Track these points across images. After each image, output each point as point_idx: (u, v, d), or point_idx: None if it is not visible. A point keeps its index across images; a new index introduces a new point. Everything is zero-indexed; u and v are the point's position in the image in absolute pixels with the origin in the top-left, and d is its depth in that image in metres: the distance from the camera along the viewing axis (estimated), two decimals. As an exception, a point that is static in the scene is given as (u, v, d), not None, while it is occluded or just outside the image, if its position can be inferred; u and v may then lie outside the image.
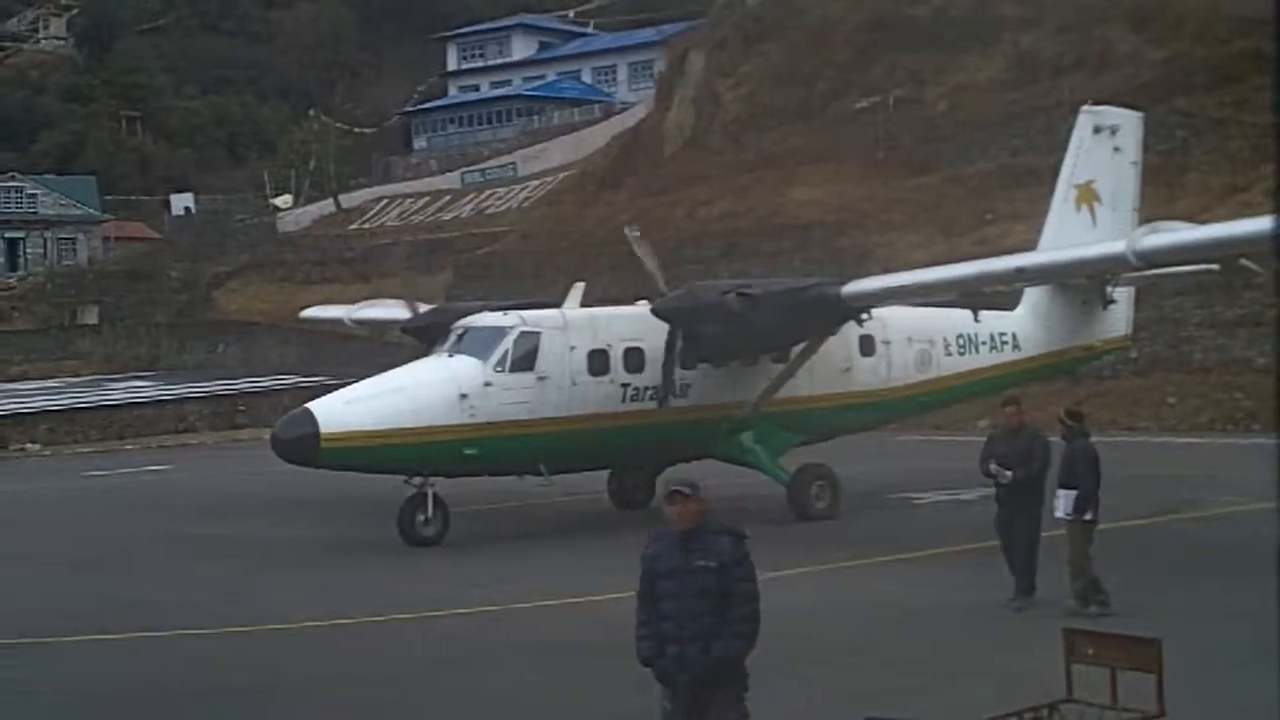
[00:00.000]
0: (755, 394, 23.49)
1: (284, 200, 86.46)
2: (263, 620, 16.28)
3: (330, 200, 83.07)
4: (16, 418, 44.30)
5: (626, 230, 25.10)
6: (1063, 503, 14.92)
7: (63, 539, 24.52)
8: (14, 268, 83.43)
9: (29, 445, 41.77)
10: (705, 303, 22.66)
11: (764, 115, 59.45)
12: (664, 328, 22.90)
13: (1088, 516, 14.85)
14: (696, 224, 53.71)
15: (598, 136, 74.75)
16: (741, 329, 22.39)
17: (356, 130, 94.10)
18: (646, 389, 23.04)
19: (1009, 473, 15.20)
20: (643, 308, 23.80)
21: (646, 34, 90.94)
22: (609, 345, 22.98)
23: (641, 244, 24.11)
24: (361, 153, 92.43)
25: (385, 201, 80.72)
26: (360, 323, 33.97)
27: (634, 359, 23.04)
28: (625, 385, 22.94)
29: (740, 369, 23.43)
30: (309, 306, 40.96)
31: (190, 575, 20.26)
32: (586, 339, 22.87)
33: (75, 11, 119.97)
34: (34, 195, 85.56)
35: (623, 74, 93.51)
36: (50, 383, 57.39)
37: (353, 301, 37.12)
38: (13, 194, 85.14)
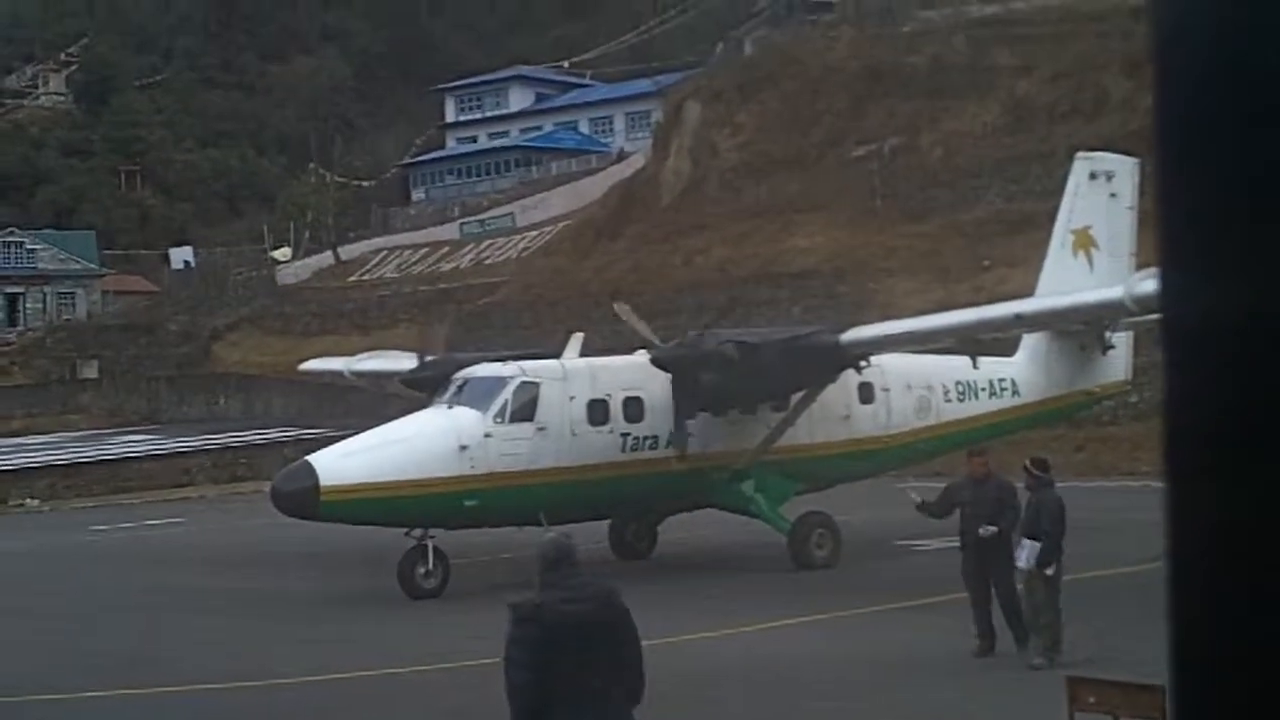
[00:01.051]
0: (755, 443, 23.48)
1: (283, 253, 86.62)
2: (265, 675, 16.22)
3: (329, 252, 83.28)
4: (16, 473, 44.21)
5: (615, 306, 25.30)
6: (1026, 554, 14.64)
7: (67, 594, 24.40)
8: (13, 323, 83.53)
9: (29, 500, 41.62)
10: (704, 352, 22.70)
11: (761, 164, 59.73)
12: (663, 377, 22.93)
13: (1050, 571, 14.62)
14: (694, 272, 53.86)
15: (595, 186, 74.98)
16: (740, 378, 22.42)
17: (355, 182, 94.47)
18: (646, 438, 23.06)
19: (994, 528, 14.97)
20: (642, 357, 23.82)
21: (643, 84, 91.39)
22: (608, 395, 23.00)
23: (629, 314, 24.28)
24: (360, 205, 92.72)
25: (384, 253, 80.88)
26: (360, 374, 33.97)
27: (633, 408, 23.05)
28: (625, 435, 22.94)
29: (740, 418, 23.43)
30: (309, 359, 40.96)
31: (194, 629, 20.19)
32: (586, 389, 22.88)
33: (74, 67, 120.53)
34: (33, 250, 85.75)
35: (620, 124, 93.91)
36: (50, 437, 57.31)
37: (352, 353, 37.12)
38: (12, 249, 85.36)
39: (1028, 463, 15.25)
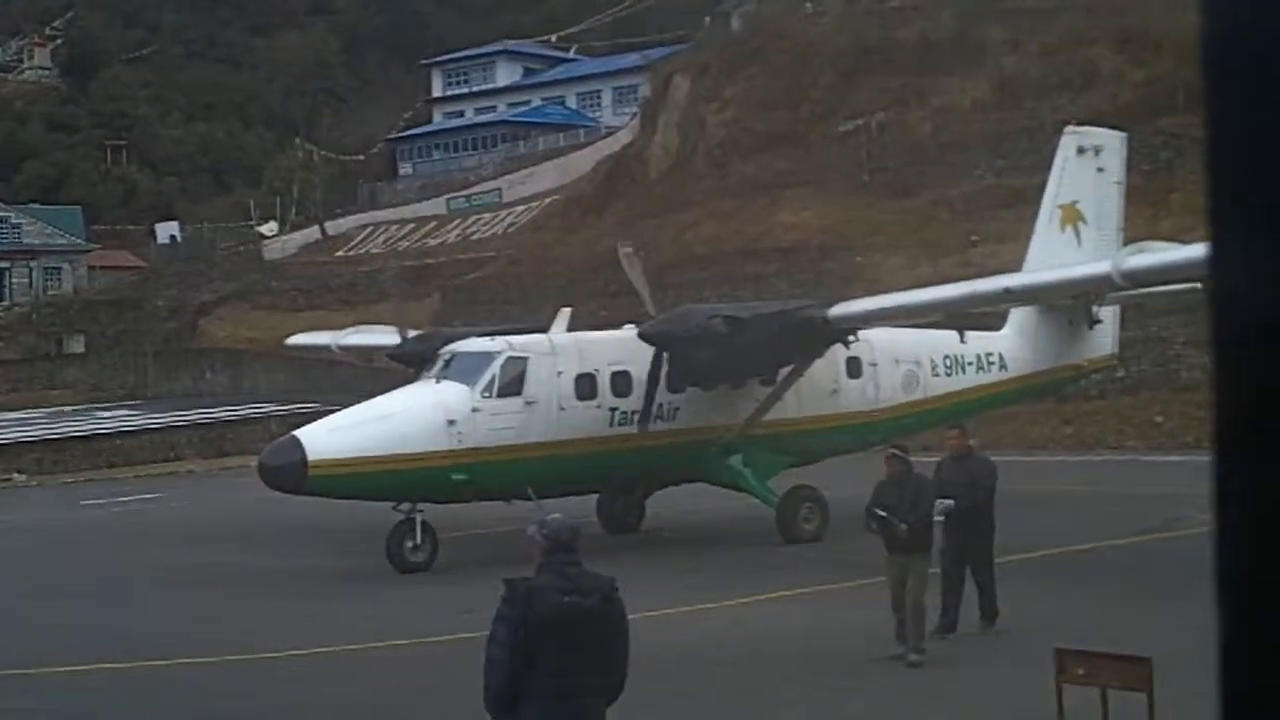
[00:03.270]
0: (743, 417, 23.49)
1: (270, 228, 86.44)
2: (253, 649, 16.22)
3: (316, 228, 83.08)
4: (4, 448, 44.10)
5: (620, 245, 25.12)
6: None
7: (55, 569, 24.38)
8: (0, 298, 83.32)
9: (15, 475, 41.47)
10: (692, 326, 22.70)
11: (749, 139, 59.61)
12: (652, 351, 22.91)
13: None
14: (682, 248, 53.80)
15: (583, 161, 74.84)
16: (728, 352, 22.43)
17: (342, 157, 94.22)
18: (634, 413, 23.07)
19: (949, 502, 14.54)
20: (630, 332, 23.81)
21: (630, 59, 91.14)
22: (596, 370, 23.01)
23: (634, 262, 24.11)
24: (347, 180, 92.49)
25: (371, 228, 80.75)
26: (347, 349, 33.98)
27: (621, 383, 23.06)
28: (613, 409, 22.97)
29: (728, 392, 23.44)
30: (295, 334, 40.88)
31: (181, 604, 20.19)
32: (574, 364, 22.90)
33: (59, 41, 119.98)
34: (19, 225, 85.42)
35: (607, 99, 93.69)
36: (37, 412, 57.21)
37: (339, 328, 37.05)
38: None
39: (895, 450, 14.75)
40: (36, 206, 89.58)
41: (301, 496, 22.37)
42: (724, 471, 23.68)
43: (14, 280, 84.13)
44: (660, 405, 23.17)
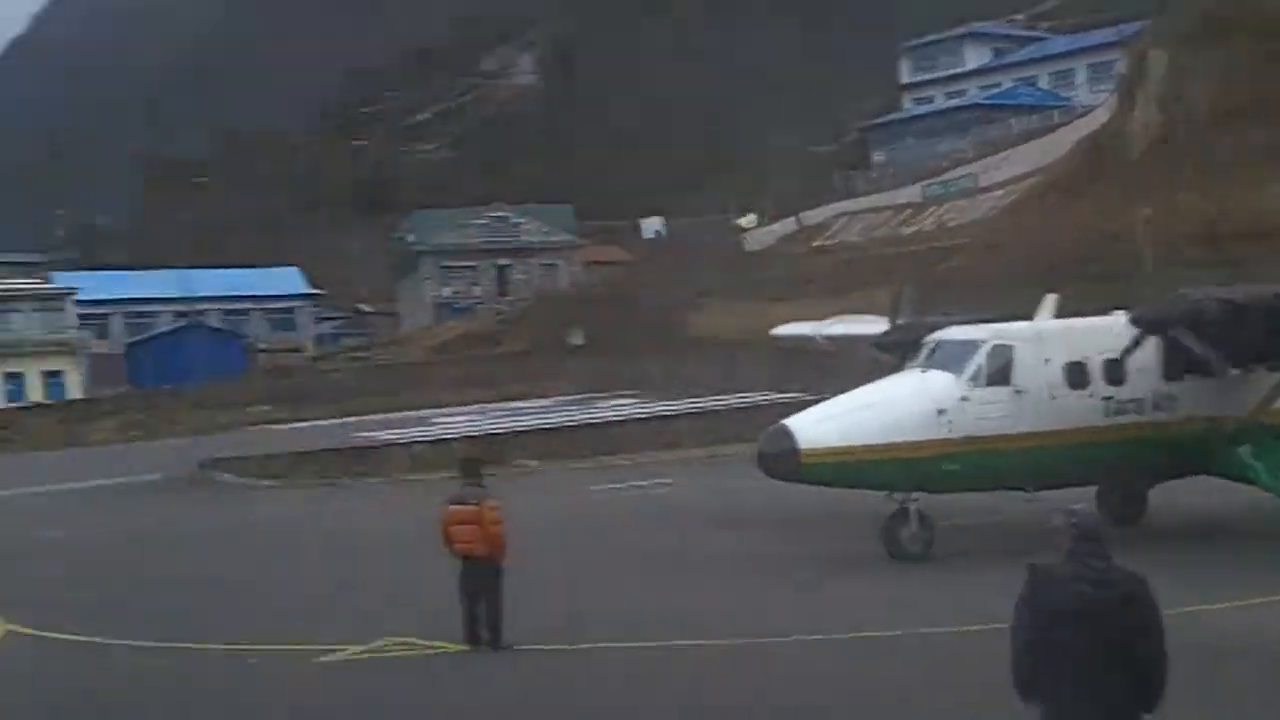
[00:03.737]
0: (1250, 405, 22.66)
1: (749, 220, 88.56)
2: (733, 633, 17.01)
3: (793, 218, 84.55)
4: (515, 435, 47.04)
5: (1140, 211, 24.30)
6: None
7: (600, 551, 25.42)
8: (504, 293, 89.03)
9: (529, 462, 43.80)
10: (1187, 310, 22.09)
11: (1233, 112, 56.86)
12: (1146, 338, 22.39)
13: None
14: (1170, 228, 51.84)
15: (1059, 143, 73.31)
16: (1229, 337, 21.73)
17: (814, 148, 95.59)
18: (1129, 402, 22.62)
19: None
20: (1120, 317, 23.35)
21: (1104, 34, 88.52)
22: (1086, 357, 22.67)
23: (1146, 232, 23.31)
24: (821, 169, 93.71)
25: (847, 217, 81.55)
26: (831, 339, 34.44)
27: (1114, 371, 22.64)
28: (1107, 398, 22.54)
29: (1231, 379, 22.64)
30: (778, 324, 41.68)
31: (683, 588, 21.20)
32: (1061, 351, 22.59)
33: (537, 45, 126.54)
34: (518, 224, 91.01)
35: (1081, 77, 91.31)
36: (544, 401, 60.94)
37: (820, 318, 37.59)
38: (499, 223, 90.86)
39: None
40: (531, 205, 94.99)
41: (797, 485, 22.86)
42: (1231, 463, 22.77)
43: (515, 276, 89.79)
44: (1156, 395, 22.68)
